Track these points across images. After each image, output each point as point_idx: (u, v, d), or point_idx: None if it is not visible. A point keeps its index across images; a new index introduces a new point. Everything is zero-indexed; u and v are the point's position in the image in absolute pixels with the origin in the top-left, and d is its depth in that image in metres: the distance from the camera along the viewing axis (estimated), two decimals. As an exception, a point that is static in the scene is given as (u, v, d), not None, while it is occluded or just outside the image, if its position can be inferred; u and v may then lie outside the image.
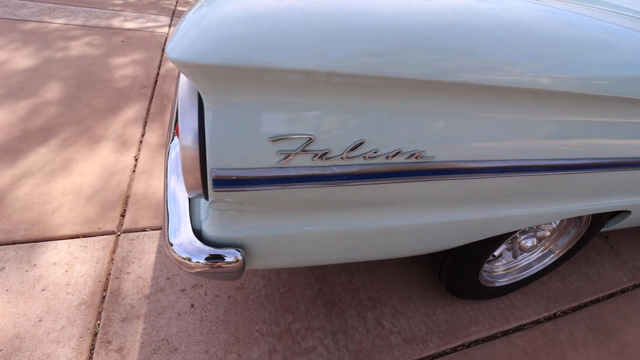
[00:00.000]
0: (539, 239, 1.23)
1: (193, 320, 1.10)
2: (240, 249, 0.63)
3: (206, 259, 0.62)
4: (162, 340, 1.04)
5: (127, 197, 1.50)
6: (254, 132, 0.49)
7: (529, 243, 1.20)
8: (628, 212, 1.11)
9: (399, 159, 0.58)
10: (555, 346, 1.24)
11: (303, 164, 0.53)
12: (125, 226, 1.36)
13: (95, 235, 1.31)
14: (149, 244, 1.32)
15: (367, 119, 0.53)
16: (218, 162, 0.50)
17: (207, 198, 0.58)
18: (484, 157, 0.65)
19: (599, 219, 1.14)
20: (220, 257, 0.62)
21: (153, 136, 1.89)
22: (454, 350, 1.18)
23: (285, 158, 0.51)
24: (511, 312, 1.33)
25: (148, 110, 2.11)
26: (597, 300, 1.45)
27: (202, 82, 0.45)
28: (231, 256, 0.62)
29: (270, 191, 0.55)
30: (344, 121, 0.52)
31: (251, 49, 0.43)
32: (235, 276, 0.66)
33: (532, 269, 1.31)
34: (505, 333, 1.26)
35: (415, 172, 0.61)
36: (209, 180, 0.52)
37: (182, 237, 0.64)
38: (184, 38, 0.44)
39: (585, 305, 1.42)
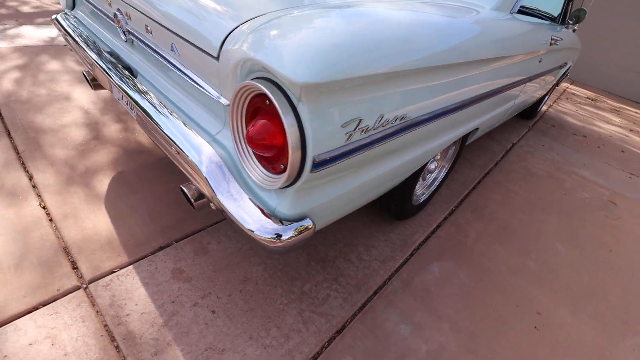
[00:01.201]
0: (436, 161, 1.77)
1: (222, 322, 1.17)
2: (309, 218, 0.81)
3: (285, 232, 0.77)
4: (207, 350, 1.08)
5: (65, 247, 1.30)
6: (333, 123, 0.67)
7: (432, 165, 1.72)
8: (477, 129, 1.73)
9: (398, 121, 0.86)
10: (459, 228, 1.86)
11: (357, 138, 0.75)
12: (88, 276, 1.22)
13: (58, 298, 1.13)
14: (129, 281, 1.23)
15: (381, 101, 0.79)
16: (317, 151, 0.66)
17: (293, 184, 0.73)
18: (426, 112, 0.99)
19: (464, 138, 1.74)
20: (299, 228, 0.78)
21: (47, 177, 1.59)
22: (411, 255, 1.62)
23: (349, 137, 0.72)
24: (430, 217, 1.87)
25: (15, 148, 1.71)
26: (469, 193, 2.17)
27: (307, 95, 0.61)
28: (307, 224, 0.79)
29: (340, 164, 0.75)
30: (373, 105, 0.76)
31: (340, 69, 0.61)
32: (307, 241, 0.83)
33: (434, 183, 1.86)
34: (433, 232, 1.79)
35: (404, 128, 0.91)
36: (307, 167, 0.68)
37: (257, 224, 0.77)
38: (300, 65, 0.58)
39: (464, 198, 2.11)
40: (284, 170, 0.72)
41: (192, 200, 1.01)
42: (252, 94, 0.73)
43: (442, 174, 1.87)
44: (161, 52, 0.98)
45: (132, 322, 1.11)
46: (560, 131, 3.56)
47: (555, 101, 4.74)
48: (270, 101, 0.67)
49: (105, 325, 1.09)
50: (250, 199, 0.81)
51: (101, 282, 1.21)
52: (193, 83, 0.90)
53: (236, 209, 0.79)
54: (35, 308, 1.10)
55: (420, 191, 1.82)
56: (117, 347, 1.05)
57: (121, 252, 1.33)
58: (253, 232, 0.76)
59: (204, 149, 0.86)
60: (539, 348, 1.33)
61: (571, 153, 3.09)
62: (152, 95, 1.03)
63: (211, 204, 0.94)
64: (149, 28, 1.00)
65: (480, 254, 1.72)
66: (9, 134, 1.80)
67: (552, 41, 1.95)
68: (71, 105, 2.15)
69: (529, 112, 3.41)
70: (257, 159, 0.80)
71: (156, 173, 1.75)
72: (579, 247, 1.93)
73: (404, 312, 1.34)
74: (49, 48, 2.86)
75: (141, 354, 1.04)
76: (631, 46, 5.89)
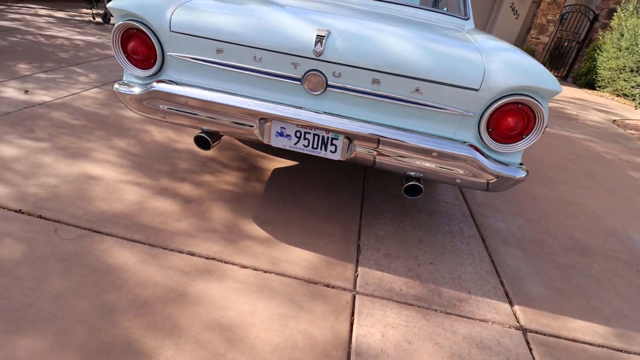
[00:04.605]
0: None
1: (442, 265, 1.69)
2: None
3: (520, 172, 1.43)
4: (455, 278, 1.61)
5: (308, 280, 1.48)
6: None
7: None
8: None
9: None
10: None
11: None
12: (349, 286, 1.48)
13: (354, 309, 1.39)
14: (373, 275, 1.56)
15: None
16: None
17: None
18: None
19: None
20: (524, 167, 1.45)
21: (209, 246, 1.57)
22: (460, 190, 2.46)
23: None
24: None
25: (201, 254, 1.54)
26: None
27: (552, 96, 1.27)
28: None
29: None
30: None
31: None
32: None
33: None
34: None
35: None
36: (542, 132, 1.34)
37: (509, 171, 1.40)
38: (556, 82, 1.24)
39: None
40: (522, 139, 1.37)
41: (422, 187, 1.50)
42: (503, 103, 1.32)
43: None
44: (393, 96, 1.36)
45: (408, 290, 1.51)
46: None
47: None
48: (523, 104, 1.30)
49: (394, 301, 1.45)
50: (496, 160, 1.41)
51: (359, 285, 1.50)
52: (432, 109, 1.37)
53: (496, 167, 1.38)
54: (352, 322, 1.34)
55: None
56: (412, 304, 1.45)
57: (341, 263, 1.60)
58: (509, 176, 1.39)
59: (460, 145, 1.38)
60: (544, 207, 2.43)
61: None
62: (380, 125, 1.40)
63: (458, 180, 1.46)
64: (377, 80, 1.35)
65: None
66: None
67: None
68: (122, 187, 1.88)
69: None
70: (496, 139, 1.39)
71: (275, 207, 1.92)
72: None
73: (494, 217, 2.17)
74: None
75: (432, 299, 1.48)
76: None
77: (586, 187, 2.85)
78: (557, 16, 8.04)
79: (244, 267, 1.49)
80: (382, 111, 1.45)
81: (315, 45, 1.34)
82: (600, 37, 7.73)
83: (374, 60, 1.35)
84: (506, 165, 1.42)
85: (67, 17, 6.41)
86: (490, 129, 1.39)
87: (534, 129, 1.36)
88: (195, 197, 1.89)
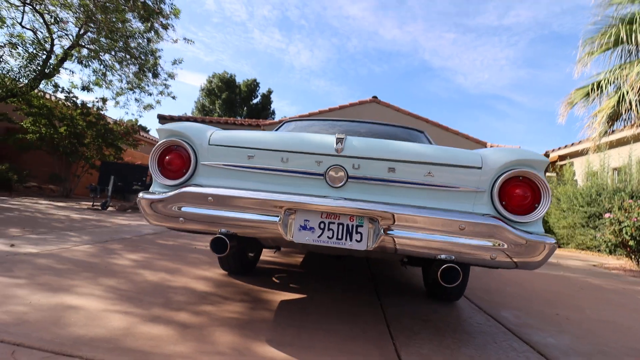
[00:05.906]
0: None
1: None
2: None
3: (550, 239, 1.42)
4: None
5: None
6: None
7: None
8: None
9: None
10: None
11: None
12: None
13: None
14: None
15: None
16: (552, 192, 1.47)
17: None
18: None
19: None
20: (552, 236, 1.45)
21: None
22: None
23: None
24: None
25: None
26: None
27: (545, 167, 1.46)
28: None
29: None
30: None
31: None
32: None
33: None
34: (471, 301, 2.48)
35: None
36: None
37: (538, 238, 1.39)
38: (541, 156, 1.46)
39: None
40: (536, 208, 1.45)
41: (459, 268, 1.42)
42: (506, 177, 1.47)
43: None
44: (409, 180, 1.50)
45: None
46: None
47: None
48: (524, 177, 1.47)
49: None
50: (521, 229, 1.41)
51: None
52: (446, 189, 1.49)
53: (524, 235, 1.37)
54: None
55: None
56: None
57: None
58: (539, 241, 1.37)
59: (484, 218, 1.41)
60: (582, 324, 2.18)
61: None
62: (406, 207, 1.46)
63: (491, 255, 1.40)
64: (393, 168, 1.52)
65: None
66: None
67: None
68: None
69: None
70: (512, 211, 1.46)
71: (291, 330, 1.62)
72: (513, 286, 3.11)
73: (537, 334, 1.89)
74: None
75: None
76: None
77: (610, 309, 2.67)
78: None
79: (265, 390, 1.11)
80: (401, 195, 1.54)
81: (336, 144, 1.57)
82: (540, 204, 9.11)
83: (388, 151, 1.57)
84: (531, 234, 1.43)
85: (66, 206, 6.85)
86: (503, 202, 1.48)
87: (542, 197, 1.47)
88: (194, 324, 1.58)
